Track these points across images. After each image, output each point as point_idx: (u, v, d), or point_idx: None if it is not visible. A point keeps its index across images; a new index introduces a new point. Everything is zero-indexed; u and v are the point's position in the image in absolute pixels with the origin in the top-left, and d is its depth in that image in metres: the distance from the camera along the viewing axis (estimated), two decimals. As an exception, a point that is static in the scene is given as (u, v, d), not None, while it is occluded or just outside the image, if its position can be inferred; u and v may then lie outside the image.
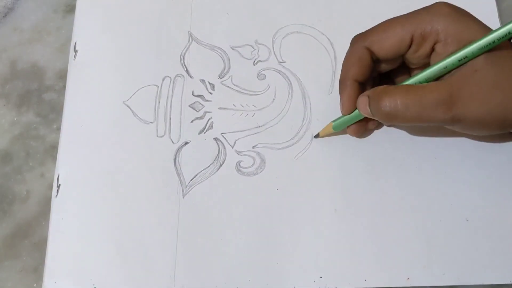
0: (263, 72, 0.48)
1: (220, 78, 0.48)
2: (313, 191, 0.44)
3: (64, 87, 0.48)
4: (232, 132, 0.46)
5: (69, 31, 0.50)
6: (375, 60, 0.42)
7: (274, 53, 0.49)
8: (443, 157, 0.45)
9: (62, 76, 0.49)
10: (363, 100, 0.41)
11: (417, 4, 0.48)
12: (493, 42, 0.37)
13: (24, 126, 0.47)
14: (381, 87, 0.40)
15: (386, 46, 0.41)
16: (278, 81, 0.48)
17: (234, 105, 0.47)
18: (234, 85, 0.48)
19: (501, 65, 0.38)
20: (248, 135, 0.46)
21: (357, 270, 0.42)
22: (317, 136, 0.46)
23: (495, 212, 0.43)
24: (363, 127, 0.45)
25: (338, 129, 0.44)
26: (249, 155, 0.45)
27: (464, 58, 0.38)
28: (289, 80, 0.48)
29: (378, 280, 0.42)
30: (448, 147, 0.45)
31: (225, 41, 0.49)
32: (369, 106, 0.40)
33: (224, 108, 0.47)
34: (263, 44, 0.49)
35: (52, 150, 0.46)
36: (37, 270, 0.43)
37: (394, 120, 0.40)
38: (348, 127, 0.44)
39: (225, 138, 0.46)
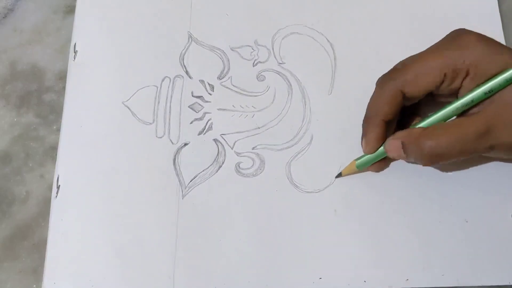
0: (262, 73, 0.48)
1: (220, 79, 0.48)
2: (313, 192, 0.44)
3: (64, 88, 0.47)
4: (232, 133, 0.46)
5: (69, 32, 0.50)
6: (404, 98, 0.41)
7: (274, 54, 0.49)
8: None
9: (62, 77, 0.49)
10: (395, 144, 0.41)
11: (418, 6, 0.49)
12: None
13: (24, 127, 0.47)
14: (416, 130, 0.40)
15: (419, 86, 0.40)
16: (277, 82, 0.48)
17: (234, 106, 0.47)
18: (234, 86, 0.48)
19: None
20: (248, 136, 0.46)
21: (356, 271, 0.42)
22: (339, 175, 0.45)
23: (495, 213, 0.43)
24: (385, 163, 0.44)
25: (361, 168, 0.44)
26: (248, 156, 0.45)
27: (489, 92, 0.38)
28: (288, 81, 0.48)
29: (377, 281, 0.42)
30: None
31: (224, 42, 0.49)
32: (406, 150, 0.40)
33: (224, 109, 0.47)
34: (262, 45, 0.49)
35: (51, 151, 0.46)
36: (37, 271, 0.43)
37: (438, 160, 0.39)
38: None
39: (224, 139, 0.46)
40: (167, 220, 0.43)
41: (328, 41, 0.49)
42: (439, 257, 0.42)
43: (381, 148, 0.42)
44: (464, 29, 0.40)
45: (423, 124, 0.41)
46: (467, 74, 0.39)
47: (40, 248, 0.44)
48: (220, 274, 0.42)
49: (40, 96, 0.48)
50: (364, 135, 0.43)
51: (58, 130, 0.46)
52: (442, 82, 0.40)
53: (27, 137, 0.47)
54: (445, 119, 0.40)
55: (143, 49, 0.49)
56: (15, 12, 0.51)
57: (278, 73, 0.48)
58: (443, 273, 0.42)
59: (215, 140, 0.46)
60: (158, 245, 0.43)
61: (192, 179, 0.45)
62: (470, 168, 0.45)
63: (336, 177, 0.45)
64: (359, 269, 0.42)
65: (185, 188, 0.44)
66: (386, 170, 0.45)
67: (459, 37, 0.40)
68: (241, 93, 0.47)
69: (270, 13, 0.50)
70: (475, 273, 0.42)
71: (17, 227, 0.44)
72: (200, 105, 0.47)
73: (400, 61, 0.42)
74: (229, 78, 0.48)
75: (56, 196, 0.44)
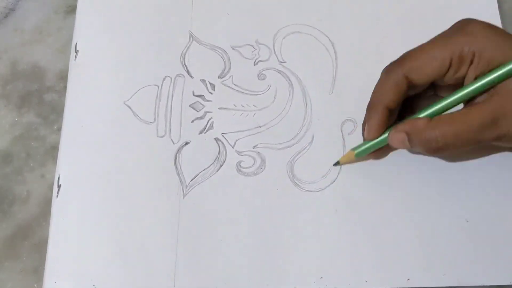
0: (263, 72, 0.48)
1: (221, 78, 0.48)
2: (314, 191, 0.44)
3: (65, 87, 0.48)
4: (233, 132, 0.46)
5: (70, 31, 0.50)
6: (409, 86, 0.41)
7: (275, 53, 0.48)
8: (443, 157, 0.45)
9: (63, 76, 0.49)
10: (399, 137, 0.40)
11: (419, 6, 0.48)
12: None
13: (24, 126, 0.47)
14: (420, 122, 0.40)
15: (425, 73, 0.40)
16: (278, 81, 0.48)
17: (235, 105, 0.47)
18: (235, 85, 0.48)
19: None
20: (249, 135, 0.46)
21: (357, 270, 0.42)
22: (337, 164, 0.45)
23: (495, 213, 0.43)
24: (385, 150, 0.44)
25: (361, 156, 0.44)
26: (249, 155, 0.45)
27: (494, 82, 0.38)
28: (289, 80, 0.48)
29: (379, 281, 0.42)
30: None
31: (225, 41, 0.49)
32: (410, 141, 0.40)
33: (225, 108, 0.47)
34: (263, 44, 0.49)
35: (52, 151, 0.46)
36: (37, 271, 0.43)
37: (444, 151, 0.39)
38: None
39: (225, 138, 0.46)
40: (168, 219, 0.43)
41: (330, 40, 0.49)
42: (440, 257, 0.42)
43: (382, 136, 0.42)
44: (471, 18, 0.40)
45: (426, 113, 0.40)
46: (471, 62, 0.39)
47: (41, 247, 0.44)
48: (221, 273, 0.42)
49: (41, 96, 0.48)
50: (366, 121, 0.42)
51: (59, 130, 0.46)
52: (448, 69, 0.40)
53: (28, 136, 0.47)
54: (448, 108, 0.40)
55: (144, 49, 0.49)
56: (16, 12, 0.51)
57: (279, 72, 0.48)
58: (444, 273, 0.42)
59: (216, 139, 0.46)
60: (159, 244, 0.43)
61: (193, 178, 0.44)
62: (471, 168, 0.44)
63: (334, 165, 0.45)
64: (360, 269, 0.42)
65: (186, 187, 0.44)
66: (386, 171, 0.44)
67: (465, 25, 0.40)
68: (242, 92, 0.47)
69: (271, 12, 0.50)
70: (475, 273, 0.41)
71: (18, 226, 0.44)
72: (201, 104, 0.47)
73: (408, 51, 0.41)
74: (230, 77, 0.48)
75: (57, 196, 0.44)
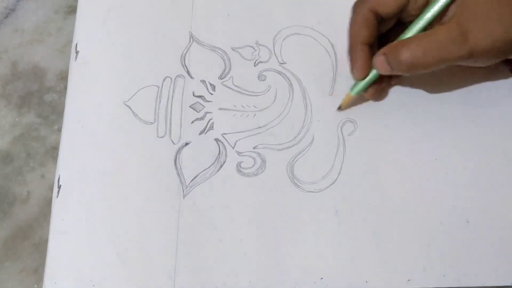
0: (263, 73, 0.48)
1: (221, 79, 0.48)
2: (314, 192, 0.44)
3: (65, 88, 0.48)
4: (233, 132, 0.46)
5: (70, 32, 0.50)
6: (378, 21, 0.43)
7: (275, 54, 0.49)
8: (443, 158, 0.45)
9: (63, 77, 0.49)
10: (379, 59, 0.42)
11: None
12: None
13: (25, 127, 0.47)
14: (394, 42, 0.42)
15: (388, 5, 0.42)
16: (278, 82, 0.48)
17: (235, 106, 0.47)
18: (235, 86, 0.48)
19: None
20: (249, 136, 0.46)
21: (358, 271, 0.42)
22: (339, 108, 0.46)
23: (496, 213, 0.43)
24: (379, 88, 0.46)
25: (357, 94, 0.45)
26: (249, 156, 0.45)
27: None
28: (289, 81, 0.48)
29: (379, 281, 0.42)
30: (449, 148, 0.45)
31: (226, 42, 0.49)
32: (388, 62, 0.41)
33: (225, 109, 0.47)
34: (263, 45, 0.49)
35: (53, 151, 0.46)
36: (37, 271, 0.43)
37: (416, 68, 0.41)
38: (365, 92, 0.45)
39: (225, 139, 0.46)
40: (168, 220, 0.43)
41: (330, 41, 0.49)
42: (441, 258, 0.42)
43: (372, 72, 0.44)
44: None
45: (401, 38, 0.42)
46: None
47: (41, 248, 0.44)
48: (221, 274, 0.42)
49: (41, 96, 0.48)
50: (351, 63, 0.44)
51: (59, 130, 0.46)
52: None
53: (28, 137, 0.47)
54: (421, 30, 0.42)
55: (144, 49, 0.49)
56: (16, 12, 0.51)
57: (279, 73, 0.48)
58: (445, 273, 0.42)
59: (216, 140, 0.46)
60: (159, 244, 0.43)
61: (193, 179, 0.44)
62: (471, 169, 0.45)
63: (337, 109, 0.46)
64: (361, 270, 0.42)
65: (186, 188, 0.44)
66: (387, 172, 0.45)
67: None
68: (242, 93, 0.47)
69: (271, 13, 0.50)
70: (476, 274, 0.42)
71: (18, 227, 0.44)
72: (201, 104, 0.47)
73: None
74: (230, 78, 0.48)
75: (57, 196, 0.44)
